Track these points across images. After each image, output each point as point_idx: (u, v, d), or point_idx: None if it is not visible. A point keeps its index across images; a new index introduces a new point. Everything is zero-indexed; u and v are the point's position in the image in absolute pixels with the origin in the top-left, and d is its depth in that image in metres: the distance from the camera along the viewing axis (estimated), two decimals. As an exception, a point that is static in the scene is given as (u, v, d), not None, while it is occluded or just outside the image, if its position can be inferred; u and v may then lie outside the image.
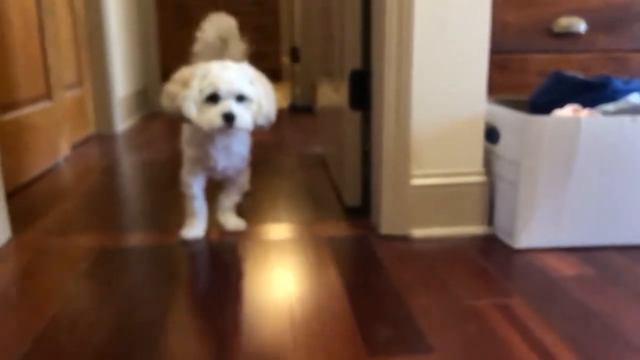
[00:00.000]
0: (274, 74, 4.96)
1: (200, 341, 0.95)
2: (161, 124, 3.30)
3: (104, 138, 2.79)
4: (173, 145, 2.59)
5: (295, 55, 3.81)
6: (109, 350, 0.90)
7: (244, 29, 1.58)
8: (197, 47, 1.60)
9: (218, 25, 1.57)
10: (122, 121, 3.00)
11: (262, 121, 1.29)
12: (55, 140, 2.21)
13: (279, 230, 1.49)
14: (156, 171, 2.17)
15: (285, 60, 4.42)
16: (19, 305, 1.10)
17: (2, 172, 1.42)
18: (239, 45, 1.55)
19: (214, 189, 1.50)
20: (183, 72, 1.30)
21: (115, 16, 2.97)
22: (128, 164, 2.35)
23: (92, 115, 2.82)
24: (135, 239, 1.44)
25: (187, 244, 1.40)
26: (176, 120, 1.30)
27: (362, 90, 1.52)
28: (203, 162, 1.37)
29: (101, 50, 2.80)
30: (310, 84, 3.55)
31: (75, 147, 2.52)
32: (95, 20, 2.75)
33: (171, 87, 1.28)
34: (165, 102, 1.29)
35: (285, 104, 3.82)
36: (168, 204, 1.73)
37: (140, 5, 3.53)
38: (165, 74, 3.84)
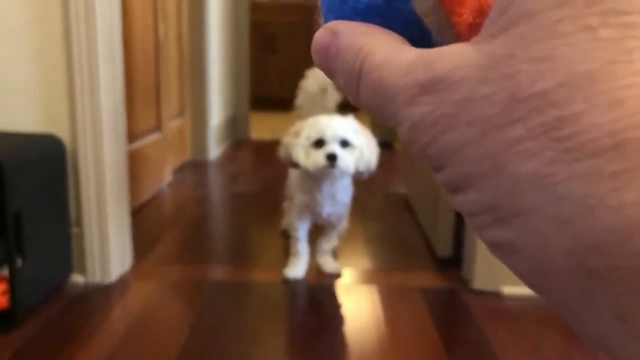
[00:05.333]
0: (353, 105, 5.09)
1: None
2: (248, 152, 3.48)
3: (199, 165, 2.99)
4: (261, 177, 2.74)
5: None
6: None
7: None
8: (300, 100, 1.75)
9: (318, 76, 1.72)
10: (214, 148, 3.19)
11: (362, 168, 1.40)
12: (161, 168, 2.41)
13: (370, 276, 1.58)
14: (251, 204, 2.32)
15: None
16: (148, 340, 1.25)
17: (128, 202, 1.59)
18: (334, 94, 1.68)
19: (315, 233, 1.61)
20: (296, 126, 1.44)
21: (215, 51, 3.19)
22: (224, 195, 2.52)
23: (189, 143, 3.03)
24: (241, 273, 1.57)
25: (288, 282, 1.51)
26: (288, 165, 1.45)
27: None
28: (310, 207, 1.49)
29: (201, 82, 3.01)
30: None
31: (175, 172, 2.72)
32: (199, 56, 2.96)
33: (286, 138, 1.43)
34: (281, 151, 1.44)
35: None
36: (266, 239, 1.85)
37: (236, 38, 3.75)
38: (254, 102, 4.03)
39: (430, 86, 0.14)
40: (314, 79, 1.75)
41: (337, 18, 0.18)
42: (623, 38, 0.12)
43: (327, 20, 0.19)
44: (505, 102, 0.13)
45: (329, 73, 0.18)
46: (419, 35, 0.17)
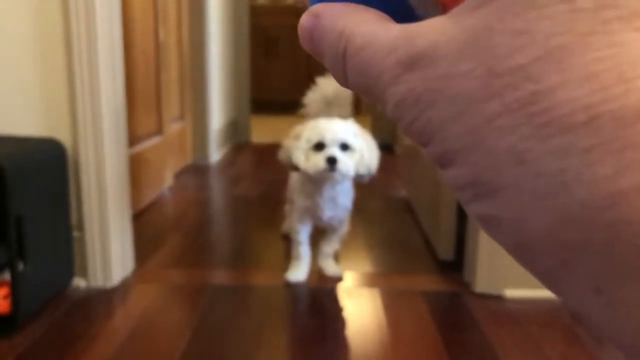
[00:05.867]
0: (353, 105, 5.08)
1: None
2: (249, 155, 3.48)
3: (200, 168, 2.99)
4: (262, 180, 2.74)
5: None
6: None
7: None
8: (309, 98, 1.69)
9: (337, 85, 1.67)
10: (215, 152, 3.19)
11: (363, 171, 1.40)
12: (162, 172, 2.41)
13: (372, 279, 1.58)
14: (252, 207, 2.32)
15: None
16: (150, 343, 1.24)
17: (129, 205, 1.59)
18: (346, 105, 1.63)
19: (316, 236, 1.61)
20: (296, 129, 1.44)
21: (216, 54, 3.19)
22: (225, 198, 2.51)
23: (190, 146, 3.03)
24: (243, 277, 1.57)
25: (290, 286, 1.51)
26: (288, 169, 1.45)
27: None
28: (311, 211, 1.49)
29: (202, 86, 3.01)
30: (392, 123, 3.64)
31: (176, 176, 2.72)
32: (199, 59, 2.97)
33: (286, 141, 1.43)
34: (281, 155, 1.44)
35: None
36: (268, 243, 1.85)
37: (236, 41, 3.75)
38: (255, 105, 4.02)
39: (412, 63, 0.14)
40: (331, 82, 1.70)
41: (320, 0, 0.18)
42: (601, 7, 0.12)
43: (312, 4, 0.18)
44: (484, 77, 0.13)
45: (319, 57, 0.18)
46: (401, 10, 0.17)
